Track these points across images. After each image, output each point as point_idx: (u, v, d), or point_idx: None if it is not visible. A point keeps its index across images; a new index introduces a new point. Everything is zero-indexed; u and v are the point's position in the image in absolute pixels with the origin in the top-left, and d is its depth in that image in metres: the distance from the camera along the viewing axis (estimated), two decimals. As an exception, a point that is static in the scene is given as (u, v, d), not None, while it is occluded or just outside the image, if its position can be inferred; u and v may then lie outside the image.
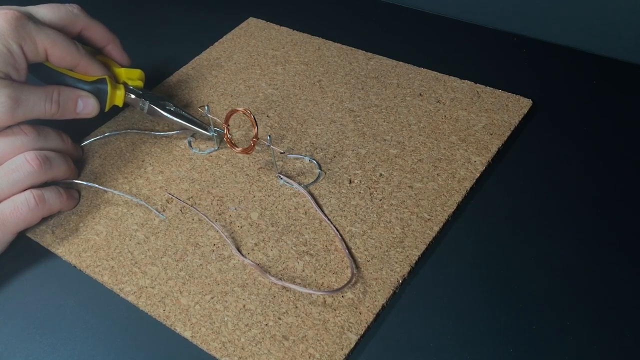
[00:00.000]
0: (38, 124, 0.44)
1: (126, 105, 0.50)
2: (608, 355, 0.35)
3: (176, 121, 0.49)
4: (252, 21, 0.64)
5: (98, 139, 0.51)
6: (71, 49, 0.45)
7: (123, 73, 0.50)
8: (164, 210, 0.45)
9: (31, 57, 0.43)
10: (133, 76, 0.50)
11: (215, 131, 0.49)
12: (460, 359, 0.35)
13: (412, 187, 0.45)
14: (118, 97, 0.49)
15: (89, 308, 0.40)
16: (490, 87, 0.53)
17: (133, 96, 0.49)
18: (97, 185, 0.46)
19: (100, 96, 0.47)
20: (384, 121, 0.50)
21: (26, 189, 0.42)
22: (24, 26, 0.42)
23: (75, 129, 0.52)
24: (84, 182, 0.46)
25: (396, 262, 0.40)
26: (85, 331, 0.38)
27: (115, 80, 0.49)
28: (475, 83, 0.53)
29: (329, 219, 0.43)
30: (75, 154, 0.48)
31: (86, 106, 0.46)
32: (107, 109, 0.48)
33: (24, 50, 0.42)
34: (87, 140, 0.51)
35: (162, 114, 0.49)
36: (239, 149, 0.47)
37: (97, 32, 0.49)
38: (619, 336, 0.36)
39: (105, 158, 0.49)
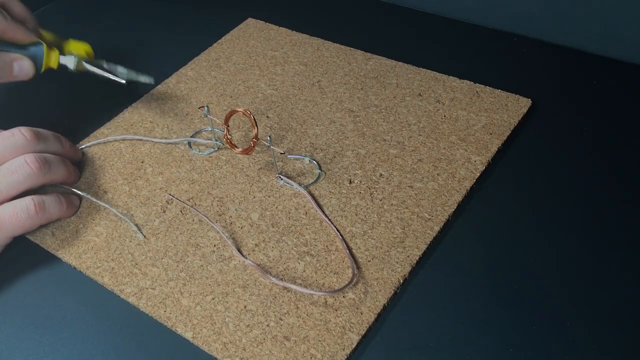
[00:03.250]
0: (37, 127, 0.44)
1: (61, 67, 0.51)
2: (608, 355, 0.35)
3: (94, 72, 0.50)
4: (251, 22, 0.64)
5: (98, 142, 0.51)
6: None
7: (71, 46, 0.51)
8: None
9: None
10: (80, 49, 0.51)
11: (126, 75, 0.50)
12: (460, 359, 0.35)
13: (412, 187, 0.45)
14: (53, 58, 0.49)
15: (89, 309, 0.40)
16: (489, 86, 0.53)
17: (65, 55, 0.50)
18: (90, 197, 0.45)
19: (37, 59, 0.48)
20: (383, 121, 0.50)
21: (25, 191, 0.42)
22: None
23: (75, 131, 0.52)
24: (79, 192, 0.45)
25: (397, 262, 0.40)
26: (86, 332, 0.38)
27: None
28: (475, 83, 0.53)
29: (329, 220, 0.43)
30: (74, 157, 0.48)
31: (22, 69, 0.47)
32: (42, 70, 0.49)
33: None
34: (85, 144, 0.51)
35: (88, 68, 0.50)
36: (239, 149, 0.47)
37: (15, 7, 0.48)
38: (619, 336, 0.36)
39: (105, 159, 0.49)
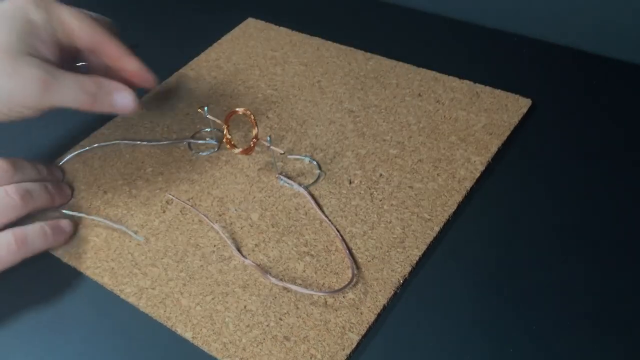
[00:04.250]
0: (12, 157, 0.43)
1: None
2: (608, 355, 0.35)
3: None
4: (251, 22, 0.64)
5: (84, 151, 0.50)
6: (95, 24, 0.43)
7: None
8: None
9: (55, 29, 0.41)
10: None
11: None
12: (460, 359, 0.35)
13: (412, 187, 0.45)
14: None
15: (89, 309, 0.40)
16: (489, 87, 0.53)
17: None
18: (80, 214, 0.44)
19: None
20: (383, 121, 0.50)
21: (8, 222, 0.40)
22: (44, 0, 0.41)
23: (75, 131, 0.52)
24: (69, 212, 0.44)
25: (397, 262, 0.40)
26: (86, 333, 0.38)
27: None
28: (475, 83, 0.53)
29: (329, 220, 0.43)
30: (54, 179, 0.46)
31: (123, 101, 0.43)
32: None
33: (46, 20, 0.40)
34: (80, 150, 0.50)
35: None
36: (239, 149, 0.47)
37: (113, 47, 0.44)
38: (619, 336, 0.36)
39: (105, 159, 0.49)
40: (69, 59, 0.44)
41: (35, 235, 0.40)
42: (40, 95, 0.39)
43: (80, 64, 0.46)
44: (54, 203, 0.44)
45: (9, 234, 0.39)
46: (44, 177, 0.45)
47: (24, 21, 0.39)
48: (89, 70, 0.46)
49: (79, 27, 0.42)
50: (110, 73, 0.45)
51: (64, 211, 0.45)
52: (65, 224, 0.43)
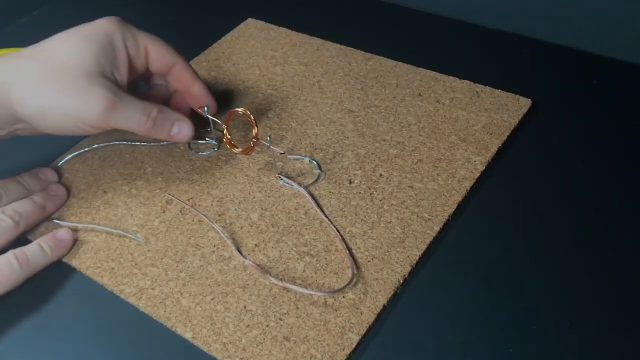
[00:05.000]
0: None
1: None
2: (608, 355, 0.35)
3: None
4: (250, 22, 0.64)
5: (84, 151, 0.50)
6: (170, 49, 0.45)
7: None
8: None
9: (133, 54, 0.43)
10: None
11: None
12: (460, 359, 0.35)
13: (412, 187, 0.45)
14: None
15: (89, 309, 0.40)
16: (489, 86, 0.53)
17: None
18: (76, 224, 0.44)
19: None
20: (383, 121, 0.50)
21: (3, 246, 0.41)
22: (126, 25, 0.44)
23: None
24: (64, 222, 0.44)
25: (397, 262, 0.40)
26: (86, 333, 0.38)
27: None
28: (475, 83, 0.53)
29: (329, 220, 0.43)
30: (42, 184, 0.46)
31: (181, 131, 0.45)
32: None
33: (126, 45, 0.43)
34: (79, 150, 0.50)
35: None
36: (239, 149, 0.47)
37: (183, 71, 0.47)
38: (619, 336, 0.36)
39: (104, 159, 0.49)
40: (137, 80, 0.47)
41: (34, 253, 0.41)
42: (105, 116, 0.41)
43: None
44: (45, 213, 0.44)
45: (10, 255, 0.40)
46: (30, 187, 0.45)
47: (106, 45, 0.42)
48: (150, 90, 0.49)
49: (157, 53, 0.45)
50: (176, 95, 0.49)
51: (59, 222, 0.44)
52: (62, 234, 0.43)
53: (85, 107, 0.40)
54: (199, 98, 0.48)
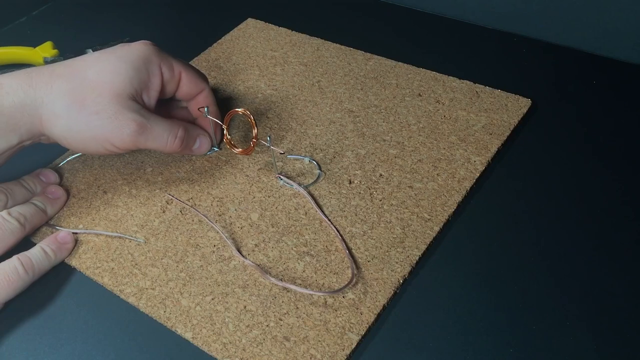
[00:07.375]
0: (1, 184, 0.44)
1: None
2: (608, 355, 0.35)
3: None
4: (250, 22, 0.64)
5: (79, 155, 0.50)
6: (201, 76, 0.47)
7: (39, 51, 0.57)
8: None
9: (167, 79, 0.44)
10: (47, 49, 0.57)
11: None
12: (460, 359, 0.35)
13: (412, 187, 0.45)
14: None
15: (89, 309, 0.40)
16: (489, 87, 0.53)
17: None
18: (77, 230, 0.44)
19: None
20: (383, 121, 0.50)
21: (8, 249, 0.41)
22: (161, 50, 0.44)
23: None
24: (62, 229, 0.44)
25: (397, 262, 0.40)
26: (86, 333, 0.38)
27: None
28: (475, 83, 0.53)
29: (329, 220, 0.43)
30: (43, 185, 0.46)
31: (201, 145, 0.47)
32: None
33: (162, 71, 0.43)
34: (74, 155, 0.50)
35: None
36: (239, 149, 0.47)
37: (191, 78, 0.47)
38: (619, 336, 0.36)
39: (104, 159, 0.49)
40: (161, 102, 0.47)
41: (38, 257, 0.41)
42: (135, 138, 0.42)
43: None
44: (47, 216, 0.44)
45: (15, 261, 0.40)
46: (32, 190, 0.45)
47: (140, 67, 0.42)
48: (166, 106, 0.49)
49: (189, 80, 0.46)
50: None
51: (59, 228, 0.44)
52: (63, 235, 0.43)
53: (115, 131, 0.41)
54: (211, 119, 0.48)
